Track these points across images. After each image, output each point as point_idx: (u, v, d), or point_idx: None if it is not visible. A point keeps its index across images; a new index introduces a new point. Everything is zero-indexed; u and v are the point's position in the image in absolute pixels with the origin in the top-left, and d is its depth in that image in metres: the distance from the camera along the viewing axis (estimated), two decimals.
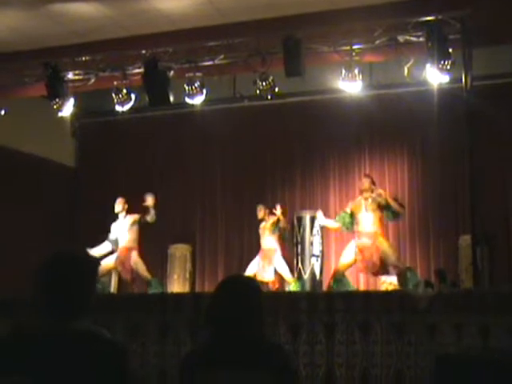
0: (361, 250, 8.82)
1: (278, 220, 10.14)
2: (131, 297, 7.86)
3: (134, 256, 9.68)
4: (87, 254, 2.40)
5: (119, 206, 9.83)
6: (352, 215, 9.00)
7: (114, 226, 9.83)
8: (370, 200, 8.92)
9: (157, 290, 9.57)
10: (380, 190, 9.11)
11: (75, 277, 2.29)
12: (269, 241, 10.17)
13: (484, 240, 8.72)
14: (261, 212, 10.36)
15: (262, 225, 10.33)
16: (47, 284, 2.28)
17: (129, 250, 9.69)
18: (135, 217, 9.77)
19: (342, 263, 9.05)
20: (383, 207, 8.93)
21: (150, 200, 9.54)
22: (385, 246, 8.90)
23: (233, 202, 12.06)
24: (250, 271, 10.04)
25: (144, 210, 9.68)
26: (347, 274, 9.09)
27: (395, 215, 9.07)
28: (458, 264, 10.17)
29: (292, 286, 9.88)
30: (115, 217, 9.88)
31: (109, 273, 10.00)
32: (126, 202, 9.90)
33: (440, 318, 5.98)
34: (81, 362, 2.18)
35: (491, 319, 5.82)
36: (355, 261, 8.92)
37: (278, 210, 10.09)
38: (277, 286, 10.12)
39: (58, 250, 2.36)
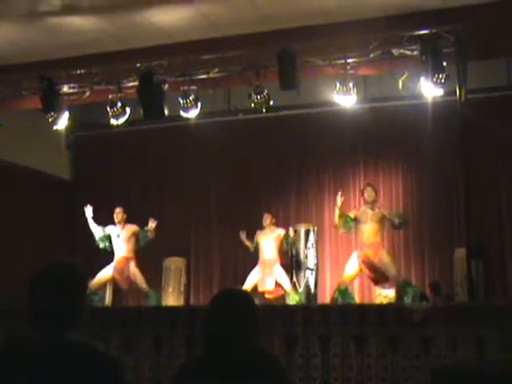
0: (363, 261, 8.86)
1: (287, 235, 10.19)
2: (125, 310, 7.83)
3: (132, 266, 9.76)
4: (80, 266, 2.38)
5: (118, 215, 9.89)
6: (354, 220, 9.07)
7: (109, 229, 9.92)
8: (376, 210, 8.99)
9: (156, 301, 9.63)
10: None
11: (68, 288, 2.28)
12: (269, 251, 10.15)
13: (479, 253, 8.74)
14: (268, 220, 10.30)
15: (264, 234, 10.26)
16: (40, 295, 2.26)
17: (127, 259, 9.78)
18: (134, 228, 9.86)
19: (346, 275, 9.11)
20: (387, 218, 9.01)
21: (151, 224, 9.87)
22: (386, 258, 8.99)
23: (228, 215, 12.05)
24: (250, 281, 9.99)
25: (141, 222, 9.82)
26: (352, 286, 9.14)
27: (402, 224, 9.13)
28: (452, 277, 10.17)
29: (291, 297, 9.86)
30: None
31: (105, 285, 10.02)
32: (125, 212, 9.94)
33: (435, 331, 5.97)
34: (74, 375, 2.16)
35: (486, 332, 5.82)
36: (360, 271, 8.96)
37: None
38: (281, 292, 10.05)
39: (51, 261, 2.35)
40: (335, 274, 11.20)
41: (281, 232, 10.25)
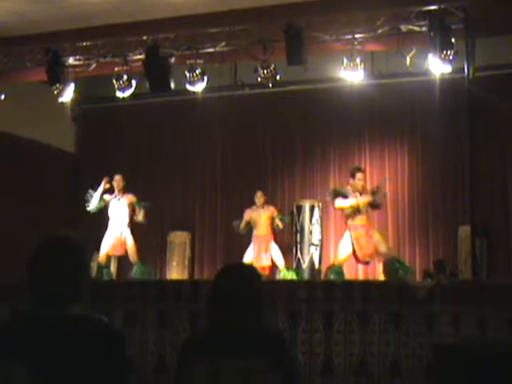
0: (357, 239, 8.84)
1: (280, 213, 10.38)
2: (129, 283, 7.86)
3: (128, 233, 9.97)
4: (79, 239, 2.37)
5: (119, 183, 10.01)
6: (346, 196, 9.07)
7: (107, 197, 10.04)
8: (360, 200, 8.91)
9: (139, 274, 9.71)
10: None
11: (68, 261, 2.27)
12: (263, 228, 10.22)
13: (483, 231, 8.74)
14: (261, 199, 10.40)
15: (258, 212, 10.33)
16: (40, 269, 2.26)
17: (123, 225, 9.97)
18: (132, 198, 9.97)
19: (340, 256, 9.04)
20: (372, 203, 9.00)
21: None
22: (377, 235, 8.99)
23: (233, 189, 12.06)
24: (246, 259, 10.07)
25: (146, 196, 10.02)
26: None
27: (377, 206, 9.15)
28: (457, 255, 10.18)
29: (283, 273, 9.92)
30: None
31: (109, 259, 10.10)
32: (124, 179, 10.04)
33: (438, 309, 5.99)
34: (77, 348, 2.16)
35: (489, 310, 5.83)
36: (354, 252, 8.93)
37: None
38: (267, 272, 10.13)
39: (51, 234, 2.34)
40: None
41: (273, 209, 10.36)
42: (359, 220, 8.90)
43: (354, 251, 8.91)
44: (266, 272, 10.13)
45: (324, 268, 10.71)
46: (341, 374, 6.08)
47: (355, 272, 10.88)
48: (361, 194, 8.94)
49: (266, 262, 10.11)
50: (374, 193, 9.06)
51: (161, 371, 6.43)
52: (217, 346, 2.54)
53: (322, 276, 10.34)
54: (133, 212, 10.01)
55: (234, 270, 2.72)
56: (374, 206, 9.04)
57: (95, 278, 9.54)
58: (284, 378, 2.53)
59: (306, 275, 10.21)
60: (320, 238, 10.66)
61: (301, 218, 10.62)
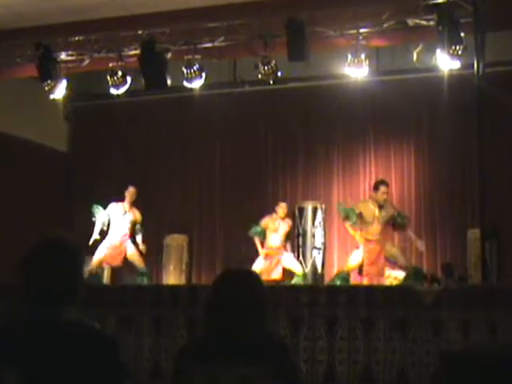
0: (368, 255, 9.00)
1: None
2: (125, 288, 7.87)
3: (129, 242, 10.12)
4: (74, 241, 2.38)
5: (132, 196, 10.17)
6: (359, 216, 9.13)
7: (112, 207, 10.13)
8: (383, 213, 9.05)
9: (142, 280, 9.77)
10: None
11: (61, 264, 2.27)
12: (276, 239, 10.22)
13: (493, 234, 8.74)
14: (285, 210, 10.40)
15: (277, 222, 10.32)
16: (33, 272, 2.26)
17: (125, 235, 10.11)
18: (138, 216, 10.18)
19: (349, 263, 9.26)
20: (394, 219, 9.19)
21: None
22: (393, 249, 9.24)
23: (232, 190, 12.06)
24: (255, 268, 10.02)
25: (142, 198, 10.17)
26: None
27: (403, 225, 9.32)
28: (466, 258, 10.18)
29: (297, 279, 9.93)
30: (110, 201, 10.13)
31: (101, 264, 10.13)
32: (136, 192, 10.24)
33: (446, 314, 5.99)
34: (69, 354, 2.17)
35: (500, 315, 5.84)
36: (363, 262, 9.06)
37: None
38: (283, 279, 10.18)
39: (44, 236, 2.34)
40: (343, 254, 11.22)
41: (291, 223, 10.44)
42: (371, 234, 9.03)
43: (361, 264, 9.09)
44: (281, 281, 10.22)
45: (327, 272, 10.74)
46: (344, 382, 6.08)
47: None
48: (381, 208, 9.03)
49: (277, 275, 10.14)
50: (399, 214, 9.25)
51: (156, 378, 6.44)
52: (216, 352, 2.54)
53: (326, 279, 10.38)
54: (132, 230, 10.20)
55: (234, 275, 2.72)
56: (396, 224, 9.25)
57: (88, 283, 9.56)
58: None
59: (308, 280, 10.21)
60: (323, 241, 10.67)
61: (303, 221, 10.62)
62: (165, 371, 6.33)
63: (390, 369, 5.97)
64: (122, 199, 10.22)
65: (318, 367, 6.10)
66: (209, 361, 2.53)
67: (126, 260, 10.16)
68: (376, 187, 9.27)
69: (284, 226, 10.34)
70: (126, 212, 10.11)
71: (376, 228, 9.07)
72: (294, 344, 6.11)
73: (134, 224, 10.18)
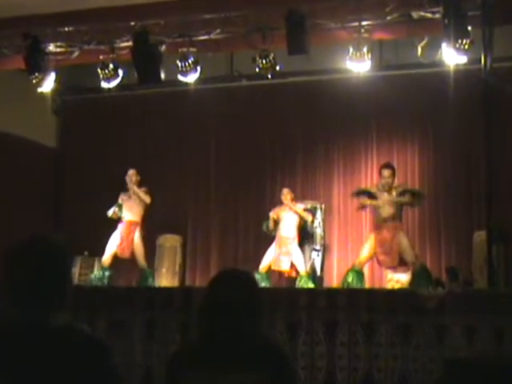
0: (380, 244, 8.98)
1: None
2: (115, 290, 7.87)
3: (137, 234, 10.23)
4: (62, 241, 2.37)
5: (132, 178, 10.30)
6: (371, 196, 9.32)
7: (121, 197, 10.36)
8: (393, 194, 9.09)
9: (150, 282, 9.82)
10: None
11: (48, 265, 2.26)
12: (288, 228, 10.23)
13: (500, 236, 8.74)
14: (287, 196, 10.41)
15: (283, 210, 10.34)
16: (18, 274, 2.25)
17: (132, 224, 10.27)
18: (143, 192, 10.24)
19: (360, 256, 9.31)
20: (407, 201, 9.26)
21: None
22: (404, 240, 9.17)
23: (228, 190, 12.05)
24: (266, 260, 10.13)
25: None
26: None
27: (418, 202, 9.43)
28: (471, 262, 10.18)
29: (303, 280, 9.94)
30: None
31: (113, 262, 10.23)
32: (138, 173, 10.36)
33: (450, 320, 6.00)
34: (58, 359, 2.16)
35: (506, 322, 5.85)
36: (374, 254, 9.14)
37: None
38: (295, 275, 10.19)
39: (31, 236, 2.33)
40: (343, 256, 11.24)
41: (300, 207, 10.41)
42: (382, 219, 9.09)
43: (375, 254, 9.17)
44: (286, 276, 10.21)
45: (326, 275, 10.76)
46: None
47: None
48: (390, 191, 9.06)
49: (286, 266, 10.14)
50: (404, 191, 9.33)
51: None
52: (210, 358, 2.54)
53: (326, 281, 10.40)
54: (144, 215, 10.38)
55: (229, 277, 2.72)
56: (409, 204, 9.42)
57: (78, 285, 9.57)
58: None
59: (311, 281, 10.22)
60: (322, 242, 10.67)
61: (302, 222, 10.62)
62: (157, 377, 6.34)
63: (392, 376, 5.98)
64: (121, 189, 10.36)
65: (316, 374, 6.11)
66: (203, 367, 2.53)
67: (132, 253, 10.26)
68: (380, 171, 9.48)
69: (293, 216, 10.33)
70: (130, 197, 10.20)
71: (387, 211, 9.14)
72: (292, 349, 6.11)
73: (144, 206, 10.29)
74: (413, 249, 9.49)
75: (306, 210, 10.46)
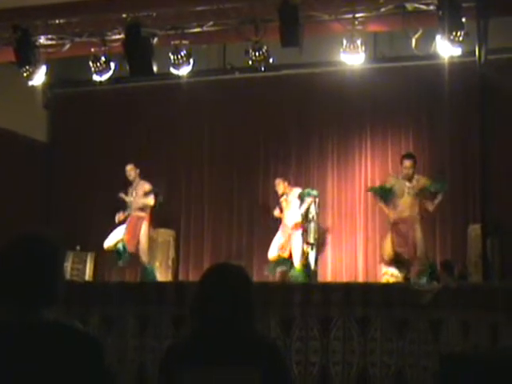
0: (397, 234, 9.05)
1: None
2: (107, 286, 7.86)
3: (144, 229, 9.97)
4: (54, 237, 2.36)
5: (131, 173, 10.09)
6: (391, 191, 9.19)
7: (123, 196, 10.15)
8: (414, 182, 9.04)
9: (152, 278, 9.75)
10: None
11: (41, 262, 2.26)
12: (289, 217, 10.28)
13: (496, 230, 8.76)
14: (280, 185, 10.46)
15: (284, 198, 10.42)
16: (10, 270, 2.25)
17: (139, 219, 10.00)
18: (147, 186, 10.03)
19: (385, 253, 9.27)
20: (426, 189, 9.14)
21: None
22: (419, 235, 9.10)
23: (221, 183, 12.04)
24: (274, 248, 10.24)
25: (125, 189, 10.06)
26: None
27: (441, 188, 9.24)
28: (466, 256, 10.20)
29: (295, 273, 9.96)
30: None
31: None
32: (136, 167, 10.15)
33: (446, 314, 6.01)
34: (48, 357, 2.16)
35: (501, 316, 5.85)
36: (394, 246, 9.09)
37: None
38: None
39: (22, 232, 2.33)
40: (337, 250, 11.25)
41: (298, 192, 10.46)
42: (400, 211, 9.05)
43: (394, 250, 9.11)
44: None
45: (320, 269, 10.76)
46: None
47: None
48: (410, 180, 9.08)
49: (286, 253, 10.23)
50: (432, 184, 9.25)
51: (141, 380, 6.44)
52: (203, 354, 2.54)
53: (320, 276, 10.40)
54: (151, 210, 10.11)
55: (221, 271, 2.71)
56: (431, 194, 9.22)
57: (70, 280, 9.54)
58: None
59: (305, 276, 10.23)
60: (316, 236, 10.66)
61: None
62: (150, 373, 6.33)
63: (387, 371, 5.99)
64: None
65: (311, 369, 6.10)
66: (196, 362, 2.53)
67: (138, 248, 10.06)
68: (401, 162, 9.40)
69: (292, 201, 10.34)
70: (132, 193, 10.06)
71: (405, 201, 9.05)
72: (286, 345, 6.11)
73: (145, 195, 10.06)
74: (425, 245, 9.40)
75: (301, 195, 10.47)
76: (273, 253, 10.21)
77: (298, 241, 10.22)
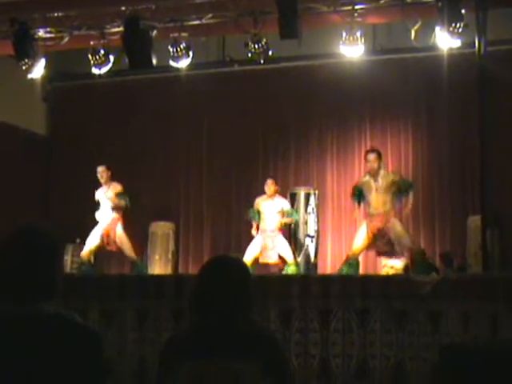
0: (374, 233, 8.85)
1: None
2: (107, 279, 7.86)
3: (119, 229, 9.80)
4: (52, 231, 2.36)
5: (103, 175, 9.86)
6: (361, 192, 9.03)
7: (98, 194, 9.95)
8: (379, 179, 8.88)
9: (142, 272, 9.70)
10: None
11: (40, 255, 2.26)
12: (271, 221, 10.02)
13: (495, 221, 8.77)
14: (271, 188, 10.08)
15: (267, 202, 10.08)
16: (9, 263, 2.25)
17: (113, 220, 9.80)
18: (118, 188, 9.82)
19: (355, 247, 9.07)
20: (396, 183, 8.95)
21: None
22: (398, 227, 8.93)
23: (220, 176, 12.04)
24: (250, 253, 9.82)
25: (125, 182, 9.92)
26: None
27: (410, 187, 9.13)
28: (465, 247, 10.21)
29: (290, 268, 9.86)
30: (94, 186, 9.99)
31: (96, 254, 10.02)
32: (109, 168, 9.91)
33: (445, 306, 6.01)
34: (48, 349, 2.16)
35: (501, 307, 5.86)
36: (368, 243, 8.94)
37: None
38: (281, 266, 10.07)
39: (21, 225, 2.32)
40: (337, 242, 11.26)
41: (284, 205, 10.11)
42: (373, 208, 8.90)
43: (370, 244, 8.98)
44: (275, 267, 10.10)
45: (320, 261, 10.76)
46: (339, 377, 6.09)
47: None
48: (376, 177, 8.89)
49: (273, 259, 10.00)
50: (402, 180, 9.17)
51: (140, 373, 6.44)
52: (202, 346, 2.53)
53: (319, 268, 10.37)
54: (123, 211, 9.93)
55: (220, 263, 2.71)
56: (401, 190, 9.06)
57: (69, 273, 9.54)
58: (276, 383, 2.52)
59: (301, 269, 10.20)
60: (316, 228, 10.66)
61: (295, 207, 10.59)
62: (150, 366, 6.33)
63: (387, 363, 5.99)
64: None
65: (311, 361, 6.11)
66: (195, 354, 2.52)
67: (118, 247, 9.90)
68: (365, 157, 9.22)
69: (276, 206, 10.13)
70: (105, 192, 9.89)
71: (375, 198, 8.87)
72: (286, 337, 6.11)
73: (116, 197, 9.83)
74: (408, 234, 9.31)
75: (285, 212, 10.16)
76: (249, 257, 9.72)
77: (282, 242, 9.98)
